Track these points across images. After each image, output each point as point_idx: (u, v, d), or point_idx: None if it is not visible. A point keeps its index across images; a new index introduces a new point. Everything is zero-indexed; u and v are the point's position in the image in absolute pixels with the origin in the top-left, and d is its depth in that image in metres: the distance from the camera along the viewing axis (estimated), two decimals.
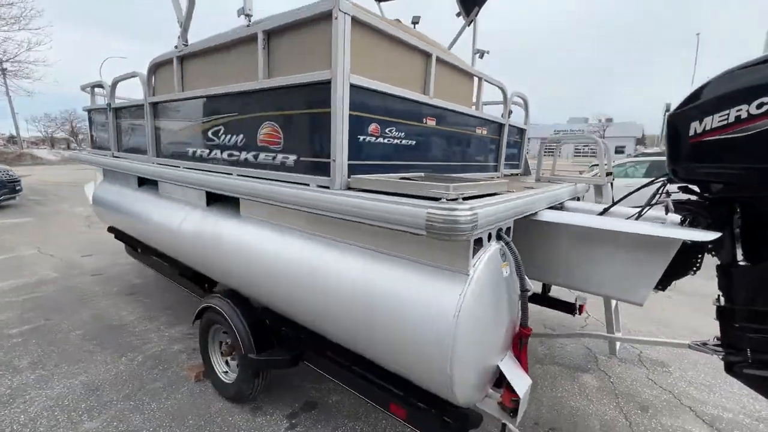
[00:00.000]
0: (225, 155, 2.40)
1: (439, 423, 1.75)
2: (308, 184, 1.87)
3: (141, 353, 3.39)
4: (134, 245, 4.51)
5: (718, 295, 1.80)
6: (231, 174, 2.34)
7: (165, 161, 3.02)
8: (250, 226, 2.36)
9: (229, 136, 2.35)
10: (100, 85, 3.95)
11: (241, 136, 2.26)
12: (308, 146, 1.86)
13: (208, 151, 2.56)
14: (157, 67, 2.94)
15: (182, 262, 3.22)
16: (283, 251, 2.10)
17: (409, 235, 1.57)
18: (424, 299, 1.52)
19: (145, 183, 3.66)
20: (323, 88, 1.71)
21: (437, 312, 1.46)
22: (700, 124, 1.59)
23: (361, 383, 2.20)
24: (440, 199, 1.46)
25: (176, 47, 2.66)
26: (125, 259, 6.07)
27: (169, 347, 3.51)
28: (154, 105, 3.02)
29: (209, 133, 2.50)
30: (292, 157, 1.97)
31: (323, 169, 1.80)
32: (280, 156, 2.04)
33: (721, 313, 1.75)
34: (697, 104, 1.59)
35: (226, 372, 2.87)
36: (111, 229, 4.57)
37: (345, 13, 1.59)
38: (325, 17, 1.67)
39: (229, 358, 2.84)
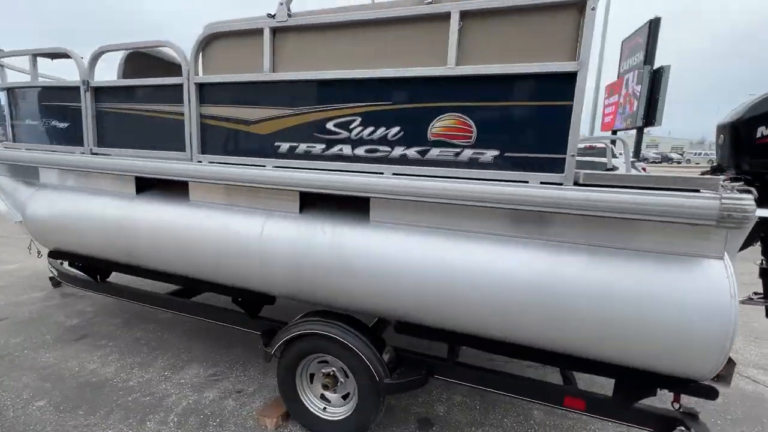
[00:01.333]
0: (361, 151, 2.02)
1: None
2: (526, 181, 1.74)
3: (169, 412, 2.60)
4: (101, 272, 3.41)
5: (762, 260, 2.35)
6: (360, 172, 1.99)
7: (221, 158, 2.35)
8: (391, 232, 2.05)
9: (371, 129, 1.99)
10: (64, 55, 2.80)
11: (397, 128, 1.94)
12: (527, 141, 1.73)
13: (323, 146, 2.10)
14: (211, 40, 2.26)
15: (228, 284, 2.58)
16: (457, 258, 1.90)
17: (649, 225, 1.64)
18: (684, 286, 1.60)
19: (149, 188, 2.79)
20: (563, 80, 1.62)
21: (710, 295, 1.56)
22: (766, 128, 2.09)
23: (527, 384, 2.16)
24: (697, 190, 1.56)
25: (271, 15, 2.10)
26: (26, 294, 4.50)
27: (201, 396, 2.77)
28: (203, 87, 2.33)
29: (330, 125, 2.07)
30: (491, 153, 1.80)
31: (551, 165, 1.70)
32: (469, 152, 1.83)
33: (764, 273, 2.29)
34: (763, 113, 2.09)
35: (325, 408, 2.43)
36: (58, 254, 3.31)
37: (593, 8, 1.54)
38: (569, 6, 1.59)
39: (328, 392, 2.40)
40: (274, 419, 2.47)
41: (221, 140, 2.36)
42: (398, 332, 2.31)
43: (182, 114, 2.41)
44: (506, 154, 1.78)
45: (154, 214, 2.62)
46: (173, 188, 2.78)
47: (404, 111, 1.91)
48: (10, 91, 3.02)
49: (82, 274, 3.48)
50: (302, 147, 2.15)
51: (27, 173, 3.20)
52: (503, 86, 1.73)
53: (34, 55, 2.87)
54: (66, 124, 2.85)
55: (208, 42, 2.27)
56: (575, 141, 1.65)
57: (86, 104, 2.68)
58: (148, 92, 2.52)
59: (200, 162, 2.40)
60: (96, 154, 2.75)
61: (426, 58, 1.85)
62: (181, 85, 2.37)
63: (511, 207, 1.73)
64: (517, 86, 1.71)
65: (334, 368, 2.39)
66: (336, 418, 2.38)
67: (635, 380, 1.88)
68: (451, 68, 1.78)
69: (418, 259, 1.98)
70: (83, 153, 2.79)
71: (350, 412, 2.33)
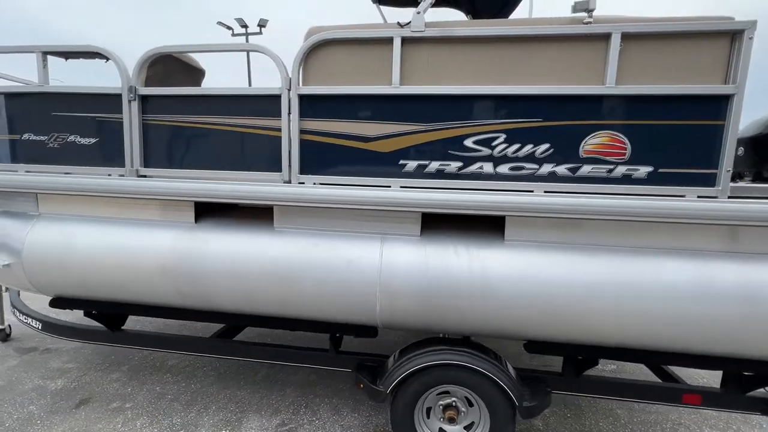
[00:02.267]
0: (504, 169, 1.95)
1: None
2: (682, 196, 1.83)
3: None
4: (116, 319, 2.81)
5: None
6: (494, 190, 1.93)
7: (327, 179, 2.08)
8: (528, 251, 2.01)
9: (516, 146, 1.93)
10: (91, 54, 2.21)
11: (546, 145, 1.91)
12: (682, 157, 1.83)
13: (459, 164, 1.98)
14: (318, 48, 1.99)
15: (329, 320, 2.29)
16: (603, 272, 1.93)
17: None
18: None
19: (207, 214, 2.36)
20: (720, 101, 1.75)
21: None
22: None
23: (649, 388, 2.26)
24: None
25: (402, 24, 1.91)
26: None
27: None
28: (305, 98, 2.04)
29: (468, 142, 1.96)
30: (645, 169, 1.86)
31: (706, 180, 1.82)
32: (622, 168, 1.87)
33: None
34: None
35: None
36: (63, 301, 2.60)
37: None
38: (727, 34, 1.72)
39: (451, 425, 2.25)
40: None
41: (327, 159, 2.10)
42: (529, 351, 2.26)
43: (274, 129, 2.10)
44: (660, 170, 1.86)
45: (227, 245, 2.23)
46: (244, 214, 2.40)
47: (555, 128, 1.90)
48: (6, 98, 2.34)
49: (77, 323, 2.82)
50: (434, 165, 2.01)
51: (17, 202, 2.51)
52: (661, 105, 1.81)
53: (45, 53, 2.26)
54: (93, 140, 2.29)
55: (310, 51, 2.02)
56: (731, 157, 1.79)
57: (131, 116, 2.19)
58: (223, 103, 2.14)
59: (302, 183, 2.10)
60: (143, 175, 2.26)
61: (576, 76, 1.87)
62: (274, 96, 2.06)
63: (672, 221, 1.81)
64: (675, 106, 1.81)
65: (455, 398, 2.25)
66: None
67: (751, 371, 2.08)
68: (610, 87, 1.81)
69: (562, 276, 1.97)
70: (123, 175, 2.27)
71: None
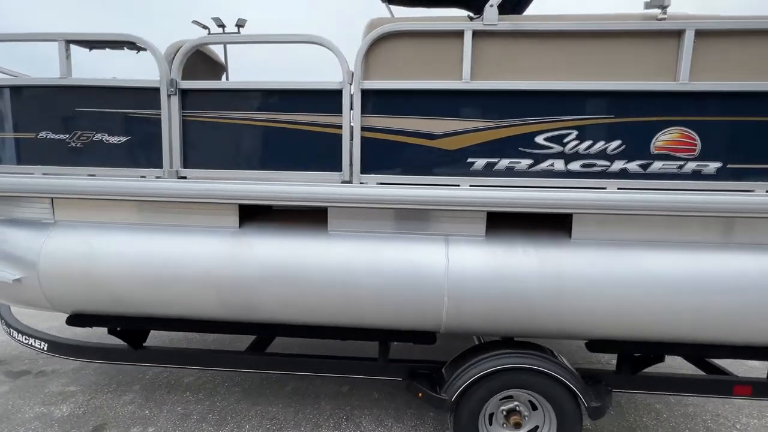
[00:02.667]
0: (575, 166, 1.91)
1: None
2: (751, 190, 1.86)
3: None
4: (138, 335, 2.57)
5: None
6: (562, 188, 1.90)
7: (390, 178, 1.97)
8: (596, 248, 1.99)
9: (588, 143, 1.90)
10: (130, 44, 1.99)
11: (618, 142, 1.89)
12: (753, 153, 1.85)
13: (530, 161, 1.92)
14: (381, 40, 1.88)
15: (385, 327, 2.18)
16: (678, 268, 1.94)
17: None
18: None
19: (251, 218, 2.19)
20: None
21: None
22: None
23: (703, 381, 2.29)
24: None
25: (473, 17, 1.84)
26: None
27: None
28: (368, 94, 1.92)
29: (539, 139, 1.91)
30: (714, 165, 1.87)
31: None
32: (692, 164, 1.88)
33: None
34: None
35: None
36: (83, 318, 2.34)
37: None
38: None
39: (511, 430, 2.18)
40: None
41: (390, 157, 1.99)
42: (591, 350, 2.24)
43: (332, 126, 1.97)
44: (729, 166, 1.89)
45: (276, 250, 2.07)
46: (289, 217, 2.25)
47: (626, 125, 1.88)
48: (14, 91, 2.07)
49: (90, 342, 2.56)
50: (503, 163, 1.95)
51: (27, 209, 2.23)
52: (732, 102, 1.83)
53: (68, 42, 2.02)
54: (124, 139, 2.07)
55: (373, 43, 1.91)
56: None
57: (170, 112, 2.00)
58: (275, 98, 1.99)
59: (363, 183, 1.98)
60: (182, 177, 2.06)
61: (647, 73, 1.86)
62: (334, 91, 1.94)
63: (742, 216, 1.84)
64: (747, 102, 1.83)
65: (518, 402, 2.19)
66: None
67: None
68: (683, 84, 1.82)
69: (633, 273, 1.95)
70: (159, 177, 2.07)
71: None
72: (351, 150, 1.97)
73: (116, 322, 2.40)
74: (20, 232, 2.21)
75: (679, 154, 1.89)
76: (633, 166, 1.91)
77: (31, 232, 2.19)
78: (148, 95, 2.02)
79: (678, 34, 1.81)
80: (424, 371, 2.37)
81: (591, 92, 1.87)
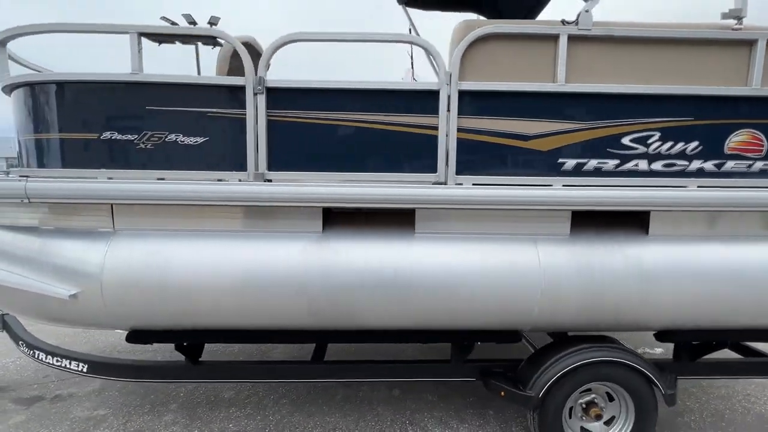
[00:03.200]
0: (658, 165, 2.01)
1: None
2: None
3: None
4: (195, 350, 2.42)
5: None
6: (638, 186, 2.00)
7: (483, 179, 1.98)
8: (672, 243, 2.11)
9: (669, 144, 2.00)
10: (208, 38, 1.83)
11: (695, 143, 2.01)
12: None
13: (616, 161, 2.00)
14: (477, 42, 1.88)
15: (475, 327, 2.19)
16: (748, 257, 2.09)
17: None
18: None
19: (332, 221, 2.11)
20: None
21: None
22: None
23: (752, 363, 2.48)
24: None
25: (568, 22, 1.87)
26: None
27: None
28: (465, 95, 1.92)
29: (625, 140, 1.99)
30: None
31: None
32: (759, 163, 2.04)
33: None
34: None
35: None
36: (143, 335, 2.14)
37: None
38: None
39: (595, 422, 2.26)
40: None
41: (483, 158, 2.00)
42: (661, 341, 2.35)
43: (427, 127, 1.95)
44: None
45: (366, 254, 2.01)
46: (371, 220, 2.19)
47: (704, 127, 2.01)
48: (76, 88, 1.87)
49: (139, 360, 2.37)
50: (592, 163, 2.01)
51: (79, 217, 2.03)
52: None
53: (141, 35, 1.85)
54: (201, 140, 1.93)
55: (473, 44, 1.91)
56: None
57: (257, 111, 1.89)
58: (366, 98, 1.94)
59: (459, 184, 1.97)
60: (268, 180, 1.95)
61: (720, 78, 2.00)
62: (430, 92, 1.92)
63: None
64: None
65: (596, 395, 2.27)
66: None
67: None
68: (755, 89, 1.97)
69: (707, 266, 2.09)
70: (242, 180, 1.95)
71: None
72: (447, 151, 1.96)
73: (182, 337, 2.23)
74: (74, 243, 2.00)
75: (748, 154, 2.05)
76: (709, 165, 2.04)
77: (89, 242, 1.99)
78: (229, 93, 1.90)
79: (751, 43, 1.95)
80: (497, 370, 2.40)
81: (673, 96, 1.97)
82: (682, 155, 2.03)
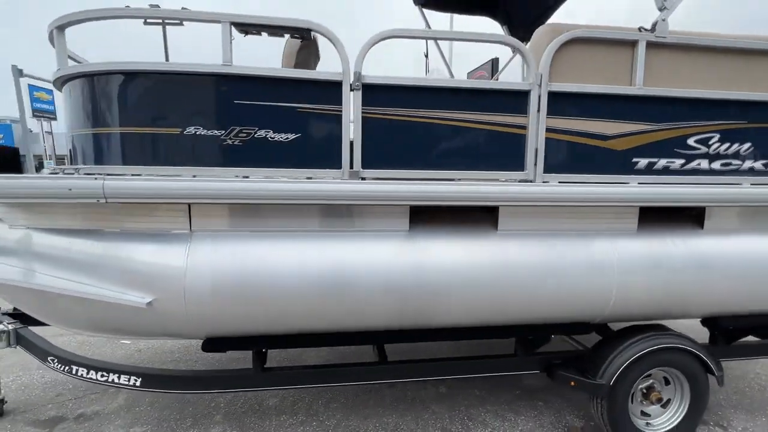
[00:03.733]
0: (717, 165, 2.17)
1: None
2: None
3: None
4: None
5: None
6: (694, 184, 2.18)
7: (567, 177, 2.05)
8: (728, 238, 2.30)
9: (726, 145, 2.17)
10: (303, 30, 1.72)
11: (748, 144, 2.19)
12: None
13: (682, 161, 2.14)
14: (565, 45, 1.94)
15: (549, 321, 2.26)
16: None
17: None
18: None
19: (418, 219, 2.10)
20: None
21: None
22: None
23: None
24: None
25: (643, 29, 1.97)
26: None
27: None
28: (553, 95, 1.97)
29: (690, 141, 2.13)
30: None
31: None
32: None
33: None
34: None
35: (647, 423, 2.42)
36: (219, 343, 2.00)
37: None
38: None
39: (654, 405, 2.41)
40: None
41: (566, 157, 2.07)
42: (704, 325, 2.55)
43: (516, 126, 2.00)
44: None
45: (453, 251, 2.02)
46: (451, 217, 2.20)
47: (756, 129, 2.20)
48: (158, 79, 1.72)
49: (200, 369, 2.23)
50: (661, 162, 2.15)
51: (151, 218, 1.88)
52: None
53: (233, 24, 1.73)
54: (293, 137, 1.85)
55: (562, 47, 1.98)
56: None
57: (353, 108, 1.84)
58: (461, 97, 1.95)
59: (546, 182, 2.03)
60: (363, 178, 1.91)
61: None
62: (520, 92, 1.97)
63: None
64: None
65: (654, 380, 2.42)
66: (667, 428, 2.40)
67: None
68: None
69: (752, 256, 2.29)
70: (335, 179, 1.89)
71: (681, 416, 2.40)
72: (536, 150, 2.01)
73: (258, 342, 2.12)
74: (148, 246, 1.85)
75: None
76: (758, 165, 2.24)
77: (166, 245, 1.85)
78: (322, 88, 1.84)
79: None
80: (556, 362, 2.49)
81: (733, 101, 2.15)
82: (737, 155, 2.21)
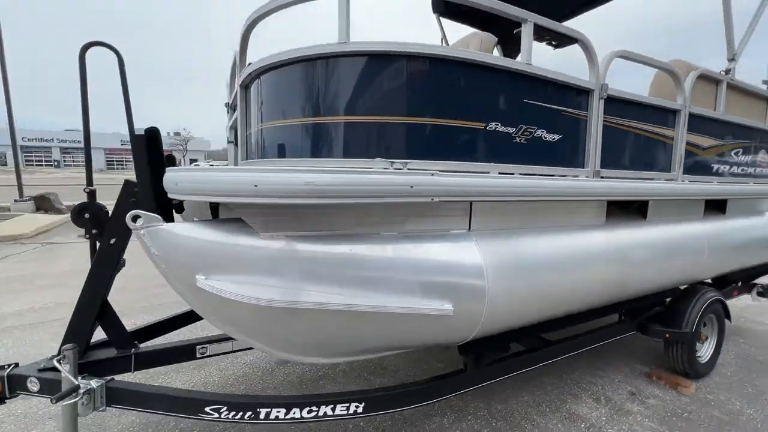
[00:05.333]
0: (738, 169, 3.17)
1: None
2: None
3: None
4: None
5: None
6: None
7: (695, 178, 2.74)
8: None
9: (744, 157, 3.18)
10: (578, 41, 1.73)
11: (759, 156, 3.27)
12: None
13: (728, 167, 3.04)
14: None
15: None
16: None
17: None
18: None
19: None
20: None
21: None
22: None
23: None
24: None
25: (723, 72, 2.74)
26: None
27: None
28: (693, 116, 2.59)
29: (732, 153, 3.06)
30: None
31: None
32: None
33: None
34: None
35: (699, 356, 3.31)
36: (487, 343, 1.90)
37: None
38: None
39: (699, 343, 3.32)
40: (688, 385, 3.07)
41: (689, 162, 2.73)
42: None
43: (666, 137, 2.56)
44: None
45: (645, 237, 2.53)
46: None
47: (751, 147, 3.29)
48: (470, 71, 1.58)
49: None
50: (722, 168, 3.02)
51: (435, 217, 1.73)
52: None
53: (536, 25, 1.71)
54: (557, 137, 1.96)
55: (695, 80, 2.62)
56: None
57: (596, 115, 2.08)
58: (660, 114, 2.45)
59: (683, 181, 2.64)
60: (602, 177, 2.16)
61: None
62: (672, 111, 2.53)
63: None
64: None
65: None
66: (706, 359, 3.33)
67: None
68: None
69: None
70: (578, 177, 2.08)
71: (712, 348, 3.36)
72: (680, 156, 2.60)
73: (510, 338, 2.15)
74: (439, 248, 1.71)
75: None
76: (759, 170, 3.35)
77: (453, 246, 1.74)
78: (577, 95, 2.03)
79: None
80: (645, 321, 3.17)
81: (753, 128, 3.18)
82: (752, 164, 3.26)
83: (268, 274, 1.49)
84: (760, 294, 4.03)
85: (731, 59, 3.01)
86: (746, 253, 3.37)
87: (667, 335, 3.06)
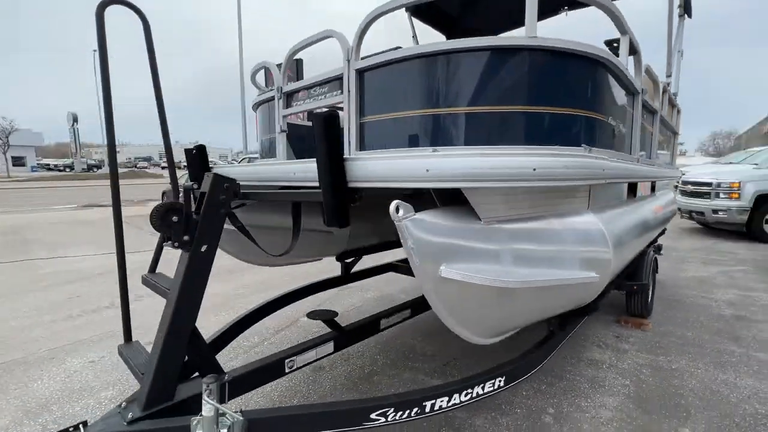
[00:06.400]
0: None
1: None
2: None
3: None
4: None
5: None
6: None
7: None
8: None
9: None
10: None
11: None
12: None
13: None
14: None
15: None
16: None
17: None
18: None
19: None
20: None
21: None
22: None
23: None
24: None
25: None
26: None
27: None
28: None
29: None
30: None
31: None
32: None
33: None
34: None
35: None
36: None
37: None
38: None
39: None
40: (648, 323, 3.99)
41: None
42: None
43: None
44: None
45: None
46: None
47: None
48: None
49: None
50: None
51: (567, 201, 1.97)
52: None
53: None
54: (625, 129, 2.38)
55: None
56: None
57: (638, 109, 2.57)
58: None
59: None
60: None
61: None
62: None
63: None
64: None
65: None
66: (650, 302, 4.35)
67: None
68: None
69: None
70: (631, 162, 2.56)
71: (651, 294, 4.40)
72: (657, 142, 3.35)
73: None
74: (586, 225, 1.97)
75: None
76: None
77: (590, 222, 2.01)
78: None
79: None
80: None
81: None
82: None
83: (494, 257, 1.52)
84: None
85: (669, 75, 4.01)
86: (664, 218, 4.50)
87: (635, 287, 3.91)
